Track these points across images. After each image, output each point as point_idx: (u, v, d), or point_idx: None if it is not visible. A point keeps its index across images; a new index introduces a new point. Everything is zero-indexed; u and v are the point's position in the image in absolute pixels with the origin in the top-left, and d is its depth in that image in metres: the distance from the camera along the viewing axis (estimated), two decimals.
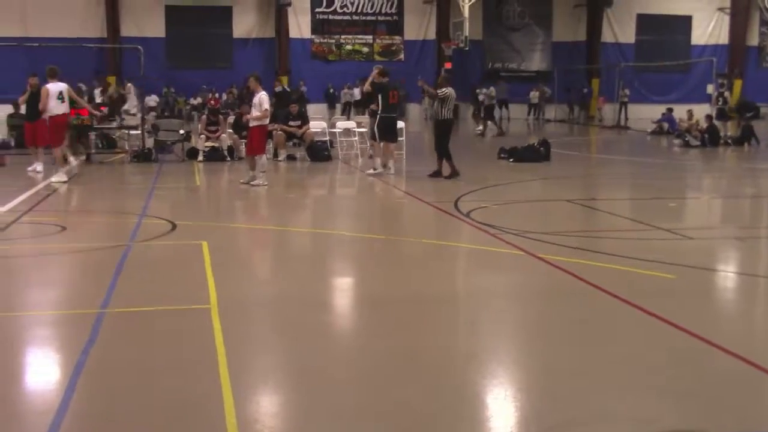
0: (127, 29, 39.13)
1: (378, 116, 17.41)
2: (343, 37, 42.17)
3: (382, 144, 17.54)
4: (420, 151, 22.48)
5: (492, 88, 35.06)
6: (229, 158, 20.35)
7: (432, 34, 42.39)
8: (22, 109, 19.62)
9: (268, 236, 11.53)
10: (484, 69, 43.55)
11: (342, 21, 42.03)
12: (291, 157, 20.67)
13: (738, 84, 44.56)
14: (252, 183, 15.67)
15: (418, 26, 42.47)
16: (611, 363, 5.90)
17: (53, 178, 15.97)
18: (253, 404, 5.14)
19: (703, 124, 25.97)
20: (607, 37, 44.78)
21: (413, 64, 40.68)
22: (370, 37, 42.41)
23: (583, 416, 4.93)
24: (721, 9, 45.61)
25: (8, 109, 23.58)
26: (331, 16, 41.91)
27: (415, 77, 23.13)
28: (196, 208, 14.46)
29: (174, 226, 11.19)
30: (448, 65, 41.37)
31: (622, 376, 5.63)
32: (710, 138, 25.43)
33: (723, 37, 45.94)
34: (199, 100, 37.59)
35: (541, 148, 21.07)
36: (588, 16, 44.47)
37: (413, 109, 38.74)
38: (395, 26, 42.55)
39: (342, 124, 22.85)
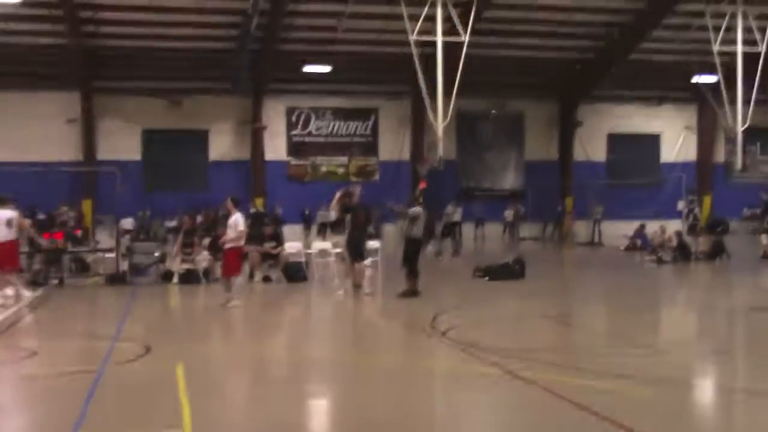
0: (103, 152, 39.37)
1: (347, 236, 17.51)
2: (318, 158, 42.69)
3: (354, 264, 17.53)
4: (397, 271, 22.47)
5: (450, 206, 35.57)
6: (204, 280, 20.26)
7: (407, 155, 42.99)
8: None
9: (244, 358, 11.40)
10: (459, 188, 44.05)
11: (317, 143, 42.61)
12: (267, 278, 20.62)
13: (707, 200, 45.30)
14: (228, 305, 15.57)
15: (393, 147, 43.09)
16: None
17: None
18: None
19: (674, 241, 26.25)
20: (578, 155, 45.56)
21: (389, 185, 41.11)
22: (345, 158, 42.96)
23: None
24: (687, 128, 46.73)
25: None
26: (306, 139, 42.49)
27: (390, 197, 23.35)
28: (171, 330, 14.30)
29: (148, 349, 11.05)
30: (423, 185, 41.78)
31: None
32: (681, 254, 25.68)
33: (691, 155, 46.92)
34: (174, 222, 37.62)
35: (516, 266, 21.17)
36: (560, 136, 45.32)
37: (389, 230, 39.09)
38: (370, 147, 43.17)
39: (318, 245, 22.92)
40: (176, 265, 20.45)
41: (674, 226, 29.71)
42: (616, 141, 46.09)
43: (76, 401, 8.10)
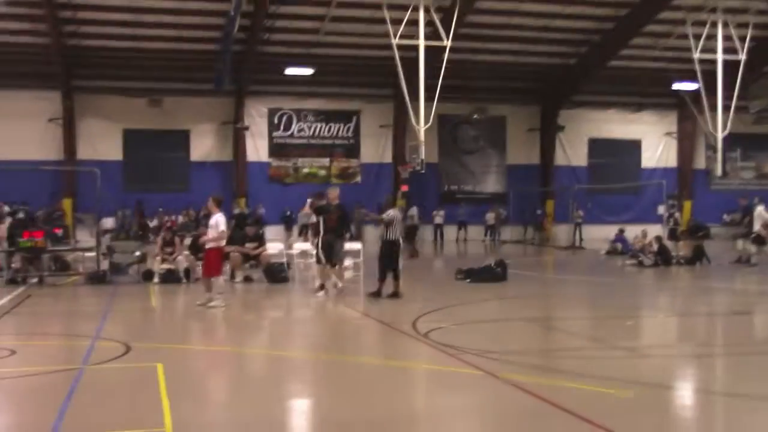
0: (84, 152, 39.23)
1: (319, 238, 17.52)
2: (300, 160, 42.67)
3: (328, 266, 17.58)
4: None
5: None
6: (185, 280, 20.19)
7: (389, 157, 43.06)
8: None
9: (224, 359, 11.36)
10: (440, 191, 44.18)
11: (299, 145, 42.60)
12: (248, 279, 20.58)
13: (688, 205, 45.60)
14: (209, 305, 15.52)
15: (375, 150, 43.16)
16: None
17: None
18: None
19: (654, 246, 26.38)
20: (560, 160, 45.80)
21: (370, 187, 41.17)
22: (327, 160, 42.97)
23: None
24: (668, 134, 47.05)
25: None
26: (288, 140, 42.46)
27: (372, 200, 23.38)
28: (151, 330, 14.23)
29: (128, 349, 10.99)
30: (404, 188, 41.92)
31: None
32: (662, 258, 25.81)
33: (671, 161, 47.24)
34: (155, 222, 37.51)
35: (498, 269, 21.23)
36: (541, 140, 45.55)
37: (370, 231, 39.07)
38: (352, 149, 43.21)
39: (299, 246, 22.88)
40: (157, 265, 20.37)
41: (655, 230, 29.86)
42: (597, 146, 46.36)
43: (56, 401, 8.05)
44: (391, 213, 17.18)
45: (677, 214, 42.13)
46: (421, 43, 29.61)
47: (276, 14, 35.12)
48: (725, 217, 44.30)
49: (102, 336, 12.30)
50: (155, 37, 36.63)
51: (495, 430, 7.45)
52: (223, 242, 16.26)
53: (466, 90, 41.11)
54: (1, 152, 35.37)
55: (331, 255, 17.48)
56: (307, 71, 39.27)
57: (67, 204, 37.71)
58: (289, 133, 42.48)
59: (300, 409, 8.54)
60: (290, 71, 39.20)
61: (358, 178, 43.16)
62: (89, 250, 21.67)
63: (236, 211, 28.67)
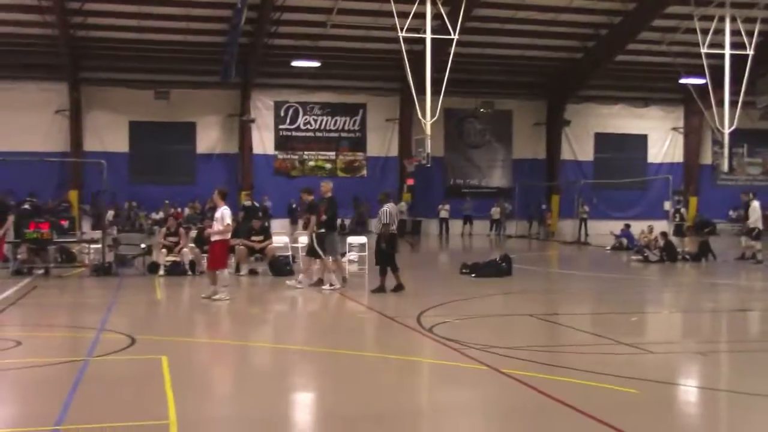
0: (91, 144, 39.30)
1: (314, 234, 17.58)
2: (306, 153, 42.68)
3: (331, 260, 17.69)
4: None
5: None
6: (190, 272, 20.21)
7: (394, 151, 43.05)
8: None
9: (229, 351, 11.38)
10: (446, 185, 44.17)
11: (305, 137, 42.61)
12: (253, 272, 20.60)
13: (693, 201, 45.52)
14: (213, 297, 15.55)
15: (381, 143, 43.15)
16: None
17: None
18: None
19: (660, 241, 26.33)
20: (566, 154, 45.74)
21: (376, 180, 41.17)
22: (333, 153, 42.97)
23: None
24: (675, 129, 46.96)
25: None
26: (294, 133, 42.47)
27: (377, 193, 23.32)
28: (156, 322, 14.27)
29: (133, 341, 11.02)
30: (410, 181, 41.92)
31: None
32: (668, 254, 25.77)
33: (678, 156, 47.14)
34: (161, 214, 37.57)
35: (503, 264, 21.20)
36: (547, 135, 45.49)
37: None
38: (358, 143, 43.20)
39: (304, 240, 22.85)
40: (162, 258, 20.39)
41: (661, 226, 29.81)
42: (603, 141, 46.29)
43: (61, 392, 8.08)
44: (385, 207, 17.20)
45: (683, 210, 42.06)
46: (428, 36, 29.52)
47: (283, 6, 35.09)
48: (731, 213, 44.23)
49: (107, 328, 12.33)
50: (162, 28, 36.63)
51: (499, 426, 7.46)
52: (229, 235, 16.26)
53: (472, 84, 41.05)
54: (8, 143, 35.44)
55: (312, 250, 17.65)
56: (314, 64, 39.27)
57: (73, 196, 37.79)
58: (295, 125, 42.49)
59: (304, 403, 8.56)
60: (297, 64, 39.20)
61: (364, 172, 43.17)
62: (95, 242, 21.69)
63: (246, 203, 28.64)
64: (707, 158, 47.24)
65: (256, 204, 31.17)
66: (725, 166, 37.11)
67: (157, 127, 40.22)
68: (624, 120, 46.33)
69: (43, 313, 14.90)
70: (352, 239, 22.24)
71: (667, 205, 37.80)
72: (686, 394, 8.92)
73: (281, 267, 20.43)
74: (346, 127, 43.07)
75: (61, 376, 9.05)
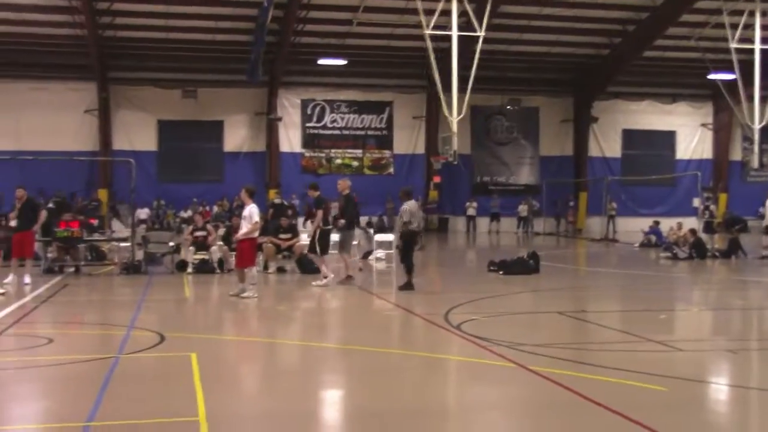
0: (119, 143, 39.63)
1: (320, 230, 17.69)
2: (333, 151, 42.75)
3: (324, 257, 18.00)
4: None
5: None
6: (218, 270, 20.33)
7: (421, 148, 43.05)
8: (12, 223, 19.54)
9: (257, 349, 11.44)
10: (473, 182, 44.09)
11: (332, 135, 42.69)
12: (281, 270, 20.67)
13: (723, 198, 45.14)
14: (242, 295, 15.63)
15: (408, 141, 43.16)
16: None
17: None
18: None
19: (690, 239, 26.14)
20: (593, 151, 45.51)
21: (403, 178, 41.16)
22: (360, 151, 43.01)
23: None
24: (704, 125, 46.59)
25: None
26: (321, 131, 42.56)
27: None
28: (185, 320, 14.36)
29: (162, 338, 11.10)
30: (437, 179, 41.89)
31: None
32: (697, 251, 25.58)
33: (707, 152, 46.79)
34: (189, 213, 37.81)
35: (531, 261, 21.16)
36: (575, 132, 45.28)
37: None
38: (385, 140, 43.21)
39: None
40: (190, 256, 20.51)
41: (690, 223, 29.60)
42: (631, 137, 46.02)
43: (91, 389, 8.15)
44: (406, 205, 17.20)
45: (713, 207, 41.71)
46: (454, 33, 29.47)
47: (309, 5, 35.18)
48: (761, 209, 43.76)
49: (137, 325, 12.43)
50: (189, 28, 36.85)
51: (527, 423, 7.45)
52: (257, 233, 16.32)
53: (499, 81, 40.96)
54: (39, 143, 35.80)
55: (312, 246, 17.77)
56: (340, 62, 39.33)
57: (102, 194, 38.12)
58: (321, 123, 42.58)
59: (332, 400, 8.59)
60: (323, 62, 39.28)
61: (391, 169, 43.18)
62: (124, 240, 21.86)
63: (276, 200, 28.75)
64: (737, 154, 46.83)
65: (285, 202, 31.25)
66: (755, 163, 36.81)
67: (184, 126, 40.46)
68: (652, 116, 46.03)
69: (74, 311, 15.06)
70: (380, 237, 22.26)
71: (696, 202, 37.52)
72: (716, 392, 8.86)
73: (309, 264, 20.48)
74: (372, 125, 43.10)
75: (92, 373, 9.13)
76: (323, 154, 42.65)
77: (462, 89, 29.50)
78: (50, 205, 22.91)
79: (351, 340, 12.08)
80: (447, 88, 29.63)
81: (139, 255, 21.06)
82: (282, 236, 21.00)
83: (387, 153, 43.34)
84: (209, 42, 37.98)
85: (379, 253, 23.30)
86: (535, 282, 19.25)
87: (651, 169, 43.23)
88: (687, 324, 14.51)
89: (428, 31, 28.67)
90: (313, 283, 17.92)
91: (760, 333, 13.46)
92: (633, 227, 37.33)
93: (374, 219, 39.50)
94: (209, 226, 21.76)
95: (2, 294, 15.77)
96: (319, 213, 17.83)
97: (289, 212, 26.28)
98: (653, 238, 31.01)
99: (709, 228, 29.71)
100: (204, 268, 20.31)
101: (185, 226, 32.41)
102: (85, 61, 37.48)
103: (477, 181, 44.30)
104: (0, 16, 34.43)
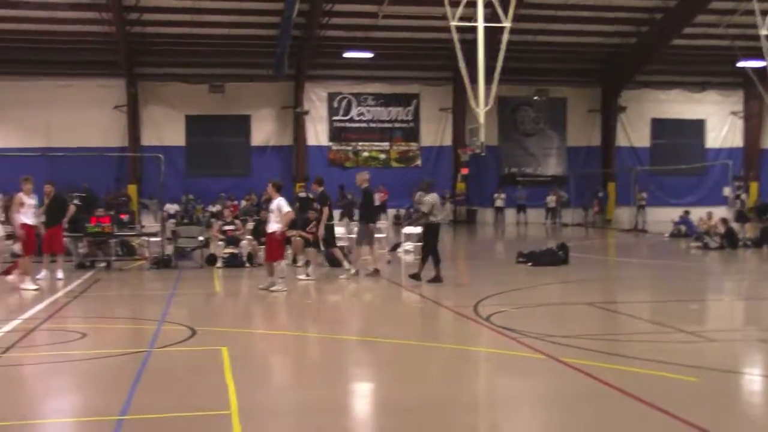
0: (148, 138, 39.90)
1: (321, 225, 17.86)
2: (360, 144, 42.78)
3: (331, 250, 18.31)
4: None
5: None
6: (248, 264, 20.43)
7: (448, 140, 42.98)
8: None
9: (287, 342, 11.48)
10: (501, 174, 43.96)
11: (359, 128, 42.71)
12: (309, 263, 20.68)
13: (754, 186, 44.71)
14: (271, 289, 15.70)
15: (434, 133, 43.10)
16: None
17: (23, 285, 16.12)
18: None
19: (721, 228, 25.91)
20: (621, 141, 45.21)
21: (430, 170, 41.10)
22: (387, 144, 43.00)
23: None
24: (734, 113, 46.16)
25: None
26: (348, 124, 42.59)
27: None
28: (216, 314, 14.44)
29: (194, 332, 11.18)
30: (464, 171, 41.78)
31: None
32: (728, 240, 25.36)
33: (737, 141, 46.35)
34: (217, 207, 37.97)
35: (560, 252, 21.07)
36: (602, 121, 44.99)
37: None
38: (411, 133, 43.17)
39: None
40: (219, 250, 20.62)
41: (720, 212, 29.35)
42: (660, 126, 45.66)
43: (124, 383, 8.23)
44: (427, 198, 17.18)
45: (744, 196, 41.32)
46: (480, 24, 29.29)
47: None
48: None
49: (168, 320, 12.52)
50: (216, 23, 36.98)
51: (557, 414, 7.43)
52: (286, 226, 16.37)
53: (526, 71, 40.74)
54: (69, 139, 36.05)
55: (326, 241, 18.26)
56: (366, 55, 39.32)
57: (132, 189, 38.42)
58: (348, 116, 42.61)
59: (362, 392, 8.62)
60: (349, 55, 39.29)
61: (418, 162, 43.15)
62: (154, 235, 22.02)
63: (302, 194, 28.81)
64: None
65: (310, 195, 31.30)
66: None
67: (212, 121, 40.63)
68: (681, 105, 45.63)
69: (105, 306, 15.21)
70: (408, 230, 22.24)
71: (727, 191, 37.19)
72: (748, 383, 8.79)
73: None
74: (399, 118, 43.08)
75: (124, 367, 9.22)
76: (350, 148, 42.69)
77: (489, 80, 29.34)
78: (75, 201, 23.07)
79: (380, 332, 12.10)
80: (474, 79, 29.50)
81: (169, 250, 21.21)
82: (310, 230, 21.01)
83: (414, 145, 43.30)
84: (235, 37, 38.10)
85: (408, 245, 23.30)
86: (564, 273, 19.18)
87: (680, 159, 42.86)
88: (718, 314, 14.41)
89: (454, 23, 28.53)
90: (340, 276, 17.97)
91: None
92: (663, 217, 37.05)
93: (402, 211, 39.56)
94: (237, 221, 21.86)
95: (36, 290, 15.94)
96: (325, 210, 17.93)
97: (316, 206, 26.28)
98: (683, 228, 30.78)
99: (740, 217, 29.44)
100: (233, 262, 20.42)
101: (214, 221, 32.59)
102: (113, 57, 37.72)
103: (505, 173, 44.16)
104: (31, 15, 34.72)
